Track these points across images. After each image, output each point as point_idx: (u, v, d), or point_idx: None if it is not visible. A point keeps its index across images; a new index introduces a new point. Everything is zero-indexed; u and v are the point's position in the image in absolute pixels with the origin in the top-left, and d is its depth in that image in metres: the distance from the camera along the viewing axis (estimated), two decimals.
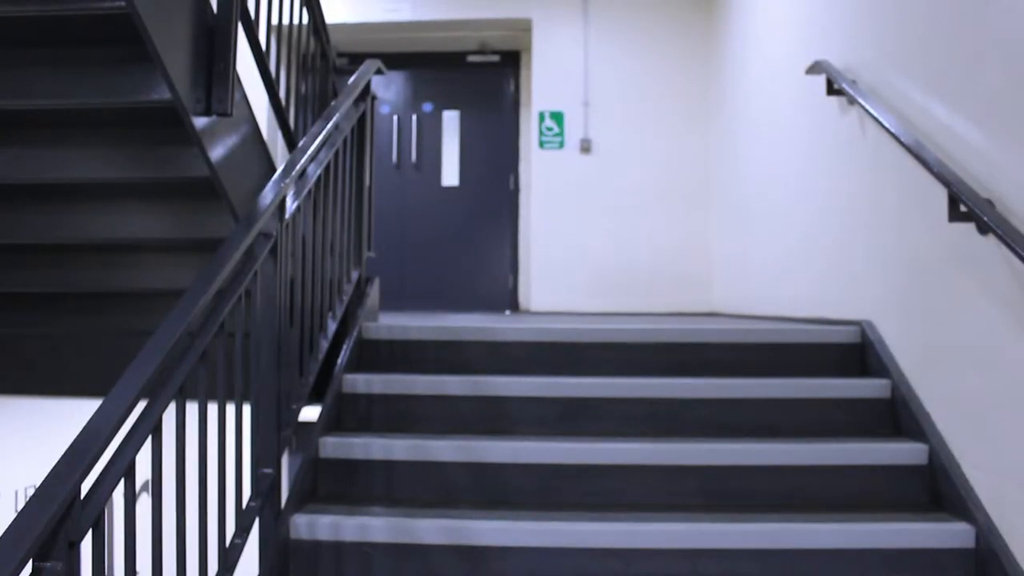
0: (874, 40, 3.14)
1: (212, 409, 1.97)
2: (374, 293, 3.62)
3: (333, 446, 2.66)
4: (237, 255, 2.07)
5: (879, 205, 3.04)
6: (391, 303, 5.18)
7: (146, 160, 2.82)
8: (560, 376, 2.91)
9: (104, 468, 1.56)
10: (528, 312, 6.09)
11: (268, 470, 2.31)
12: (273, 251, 2.34)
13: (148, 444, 1.67)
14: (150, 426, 1.67)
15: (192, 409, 1.85)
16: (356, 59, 3.67)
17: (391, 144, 6.45)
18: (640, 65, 6.07)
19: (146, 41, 2.12)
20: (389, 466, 2.64)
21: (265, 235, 2.32)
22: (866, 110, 2.96)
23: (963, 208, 2.33)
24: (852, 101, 3.14)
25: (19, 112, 2.62)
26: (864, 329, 3.08)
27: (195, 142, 2.40)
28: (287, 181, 2.42)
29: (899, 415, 2.78)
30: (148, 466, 1.69)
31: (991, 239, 2.23)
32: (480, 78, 6.56)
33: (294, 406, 2.54)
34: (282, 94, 3.05)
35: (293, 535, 2.38)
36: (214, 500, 1.99)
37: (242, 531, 2.14)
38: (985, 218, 2.19)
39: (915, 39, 2.80)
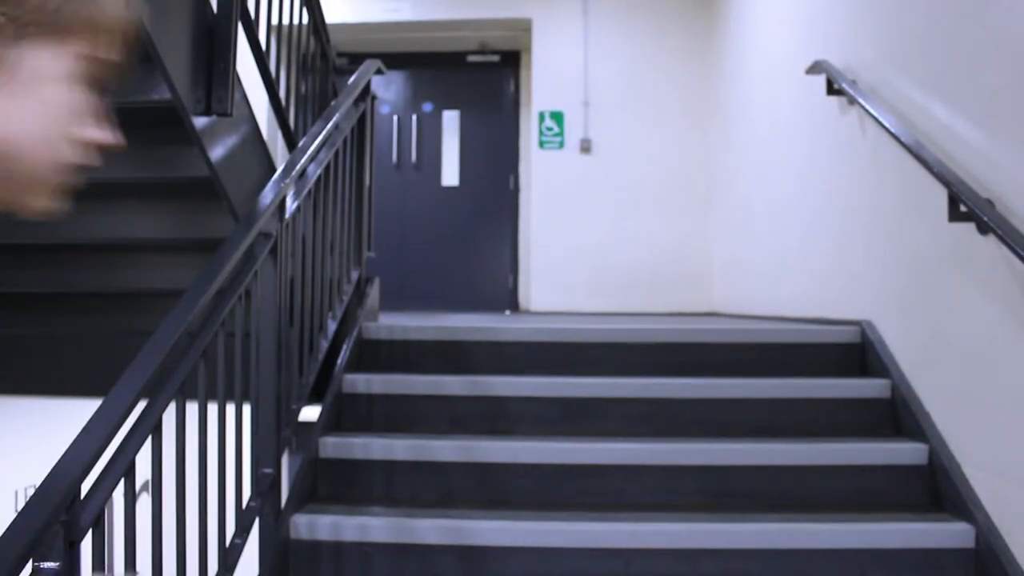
0: (874, 40, 3.14)
1: (212, 409, 1.97)
2: (374, 293, 3.62)
3: (333, 446, 2.66)
4: (237, 255, 2.07)
5: (879, 205, 3.04)
6: (391, 303, 5.18)
7: (146, 160, 2.81)
8: (560, 376, 2.91)
9: (104, 468, 1.56)
10: (528, 312, 6.09)
11: (268, 470, 2.31)
12: (273, 251, 2.34)
13: (148, 444, 1.67)
14: (150, 426, 1.67)
15: (192, 409, 1.85)
16: (356, 59, 3.67)
17: (391, 144, 6.45)
18: (640, 65, 6.07)
19: (146, 41, 2.12)
20: (389, 466, 2.64)
21: (265, 235, 2.32)
22: (866, 110, 2.96)
23: (963, 208, 2.33)
24: (852, 101, 3.14)
25: None
26: (864, 329, 3.08)
27: (195, 142, 2.40)
28: (287, 181, 2.42)
29: (899, 415, 2.78)
30: (148, 466, 1.69)
31: (991, 239, 2.23)
32: (480, 78, 6.56)
33: (294, 406, 2.54)
34: (282, 94, 3.05)
35: (293, 535, 2.38)
36: (214, 500, 1.99)
37: (242, 531, 2.14)
38: (985, 218, 2.19)
39: (915, 39, 2.80)
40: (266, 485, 2.28)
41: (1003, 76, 2.25)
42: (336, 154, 3.04)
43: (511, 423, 2.84)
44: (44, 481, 1.39)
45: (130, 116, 2.67)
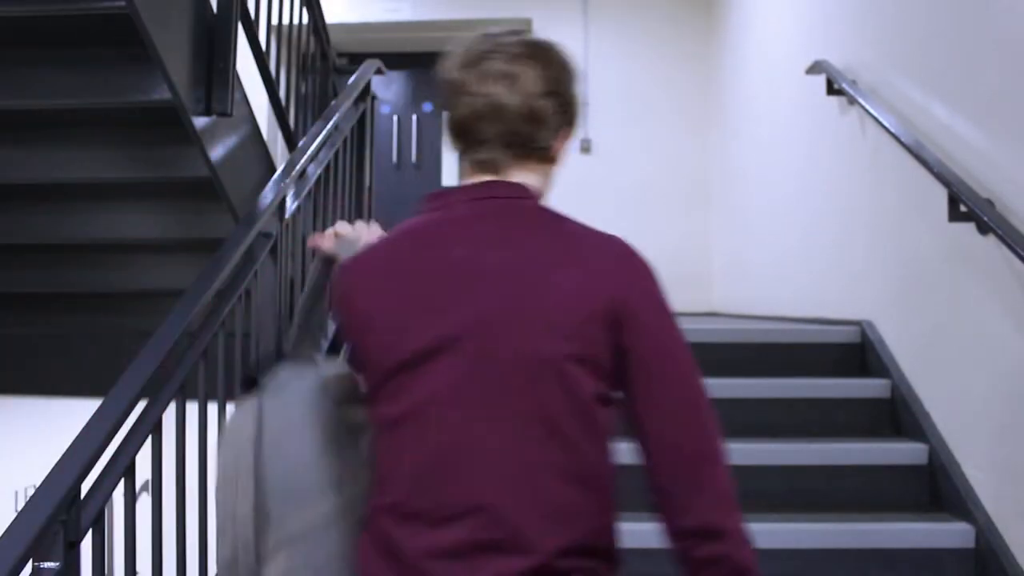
0: (874, 40, 3.14)
1: (212, 409, 1.97)
2: None
3: None
4: (237, 255, 2.06)
5: (879, 205, 3.04)
6: None
7: (146, 160, 2.81)
8: None
9: (104, 468, 1.56)
10: None
11: None
12: (273, 251, 2.34)
13: (148, 444, 1.67)
14: (150, 426, 1.67)
15: (192, 409, 1.85)
16: (356, 59, 3.66)
17: (391, 144, 6.45)
18: (640, 65, 6.06)
19: (146, 41, 2.12)
20: None
21: (265, 235, 2.31)
22: (866, 110, 2.96)
23: (963, 208, 2.33)
24: (852, 101, 3.14)
25: (19, 112, 2.62)
26: (864, 329, 3.07)
27: (195, 142, 2.40)
28: (287, 181, 2.42)
29: (899, 415, 2.78)
30: (148, 466, 1.69)
31: (991, 239, 2.23)
32: None
33: None
34: (282, 94, 3.05)
35: None
36: (214, 500, 1.99)
37: None
38: (985, 218, 2.19)
39: (915, 39, 2.80)
40: None
41: (1003, 76, 2.24)
42: (336, 154, 3.04)
43: None
44: (44, 481, 1.39)
45: (130, 116, 2.67)
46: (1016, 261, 2.11)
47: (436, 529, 0.99)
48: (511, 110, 1.09)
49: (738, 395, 2.84)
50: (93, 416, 1.53)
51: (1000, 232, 2.13)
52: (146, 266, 3.35)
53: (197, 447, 1.90)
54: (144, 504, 1.75)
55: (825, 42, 3.59)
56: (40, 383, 3.83)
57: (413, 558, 0.99)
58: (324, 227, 2.96)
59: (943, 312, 2.57)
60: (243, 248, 2.10)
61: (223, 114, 2.43)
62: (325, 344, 1.52)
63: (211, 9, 2.46)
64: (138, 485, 1.67)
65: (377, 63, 3.47)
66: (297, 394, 1.15)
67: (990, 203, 2.25)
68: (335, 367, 1.22)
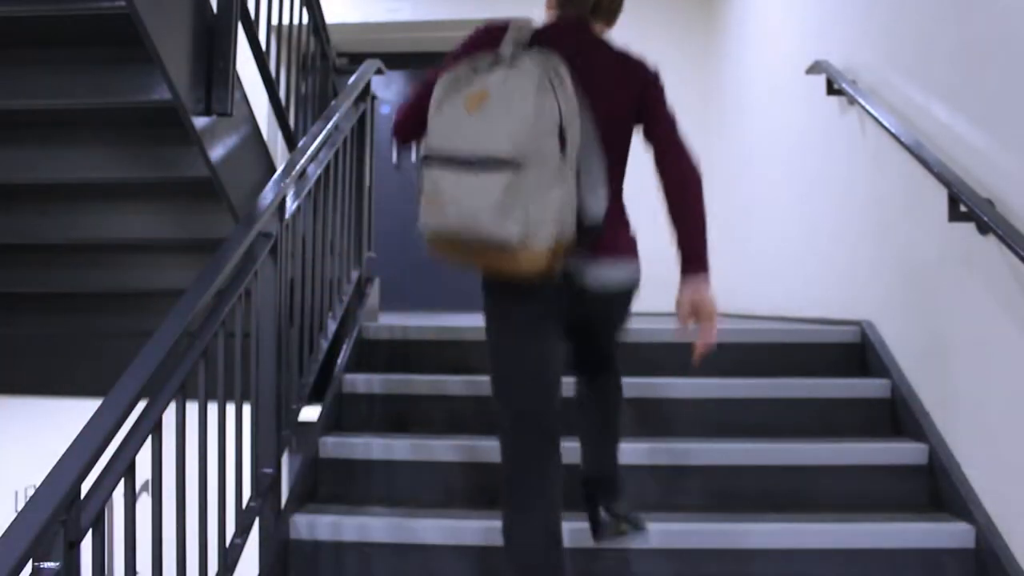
0: (874, 40, 3.14)
1: (212, 409, 1.97)
2: (374, 293, 3.62)
3: (333, 446, 2.66)
4: (237, 255, 2.07)
5: (879, 205, 3.04)
6: (391, 303, 5.17)
7: (146, 160, 2.82)
8: None
9: (104, 468, 1.56)
10: None
11: (268, 470, 2.31)
12: (273, 251, 2.34)
13: (148, 444, 1.67)
14: (150, 426, 1.67)
15: (192, 409, 1.85)
16: (356, 59, 3.66)
17: (391, 144, 6.44)
18: None
19: (146, 41, 2.12)
20: (389, 466, 2.64)
21: (265, 235, 2.32)
22: (866, 110, 2.96)
23: (963, 208, 2.33)
24: (852, 101, 3.14)
25: (19, 112, 2.62)
26: (864, 329, 3.08)
27: (195, 142, 2.40)
28: (287, 181, 2.42)
29: (899, 415, 2.78)
30: (148, 466, 1.69)
31: (991, 239, 2.23)
32: None
33: (294, 406, 2.54)
34: (282, 94, 3.06)
35: (293, 535, 2.38)
36: (214, 500, 1.99)
37: (242, 531, 2.14)
38: (985, 218, 2.19)
39: (915, 39, 2.80)
40: (266, 485, 2.29)
41: (1003, 76, 2.25)
42: (336, 154, 3.04)
43: None
44: (44, 481, 1.39)
45: (130, 116, 2.67)
46: (1016, 261, 2.11)
47: None
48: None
49: (738, 395, 2.84)
50: (93, 416, 1.54)
51: (1000, 232, 2.13)
52: (146, 266, 3.35)
53: (197, 447, 1.90)
54: (144, 504, 1.75)
55: (825, 42, 3.59)
56: (40, 383, 3.83)
57: None
58: (324, 227, 2.96)
59: (943, 312, 2.57)
60: (243, 248, 2.10)
61: (223, 114, 2.43)
62: None
63: (211, 9, 2.46)
64: (138, 485, 1.67)
65: (377, 63, 3.47)
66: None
67: (990, 203, 2.25)
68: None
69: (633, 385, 2.86)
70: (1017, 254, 2.06)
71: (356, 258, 3.45)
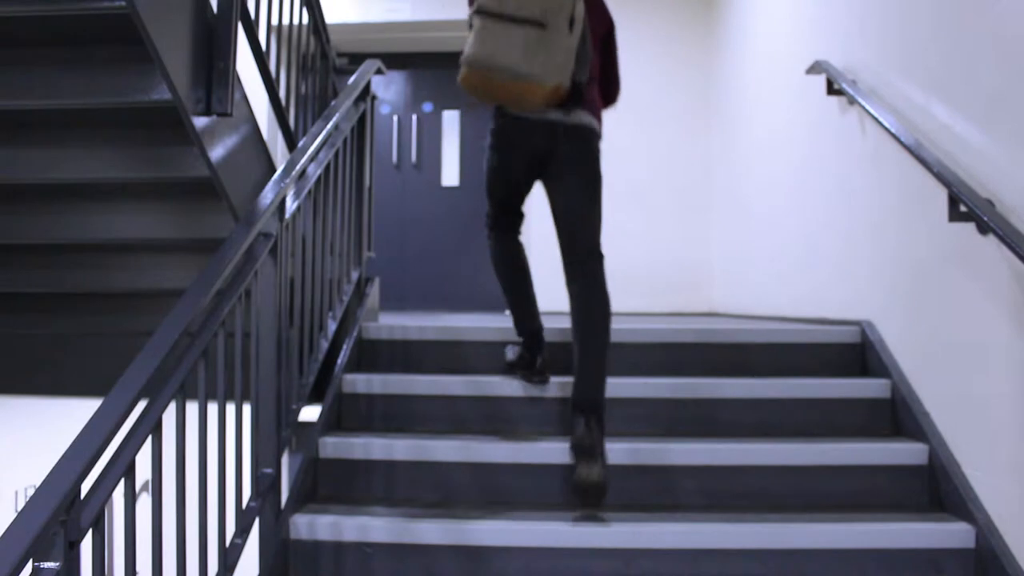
0: (874, 40, 3.14)
1: (212, 409, 1.97)
2: (374, 293, 3.62)
3: (333, 446, 2.66)
4: (237, 255, 2.07)
5: (879, 205, 3.05)
6: (391, 303, 5.17)
7: (146, 160, 2.82)
8: (561, 376, 2.91)
9: (104, 468, 1.56)
10: None
11: (268, 470, 2.31)
12: (273, 251, 2.34)
13: (148, 444, 1.67)
14: (150, 426, 1.67)
15: (192, 409, 1.85)
16: (356, 59, 3.66)
17: (391, 144, 6.45)
18: (640, 65, 6.05)
19: (146, 41, 2.12)
20: (389, 466, 2.64)
21: (265, 235, 2.32)
22: (866, 110, 2.96)
23: (963, 208, 2.33)
24: (852, 101, 3.14)
25: (19, 112, 2.62)
26: (864, 329, 3.08)
27: (195, 142, 2.40)
28: (287, 181, 2.42)
29: (899, 415, 2.78)
30: (148, 466, 1.69)
31: (991, 239, 2.23)
32: None
33: (294, 406, 2.54)
34: (282, 94, 3.05)
35: (293, 535, 2.38)
36: (214, 500, 1.99)
37: (242, 531, 2.14)
38: (985, 218, 2.19)
39: (915, 39, 2.80)
40: (266, 485, 2.29)
41: (1003, 76, 2.25)
42: (336, 154, 3.04)
43: (511, 423, 2.84)
44: (44, 481, 1.39)
45: (130, 116, 2.67)
46: (1016, 261, 2.11)
47: None
48: None
49: (738, 395, 2.84)
50: (93, 416, 1.54)
51: (1000, 232, 2.13)
52: (146, 266, 3.35)
53: (197, 447, 1.90)
54: (144, 504, 1.75)
55: (825, 42, 3.59)
56: (40, 383, 3.83)
57: None
58: (324, 227, 2.96)
59: (943, 312, 2.57)
60: (243, 248, 2.10)
61: (223, 114, 2.43)
62: None
63: (211, 9, 2.46)
64: (138, 485, 1.67)
65: (377, 63, 3.47)
66: None
67: (990, 203, 2.25)
68: None
69: (628, 385, 2.86)
70: (1017, 254, 2.06)
71: (356, 258, 3.45)
